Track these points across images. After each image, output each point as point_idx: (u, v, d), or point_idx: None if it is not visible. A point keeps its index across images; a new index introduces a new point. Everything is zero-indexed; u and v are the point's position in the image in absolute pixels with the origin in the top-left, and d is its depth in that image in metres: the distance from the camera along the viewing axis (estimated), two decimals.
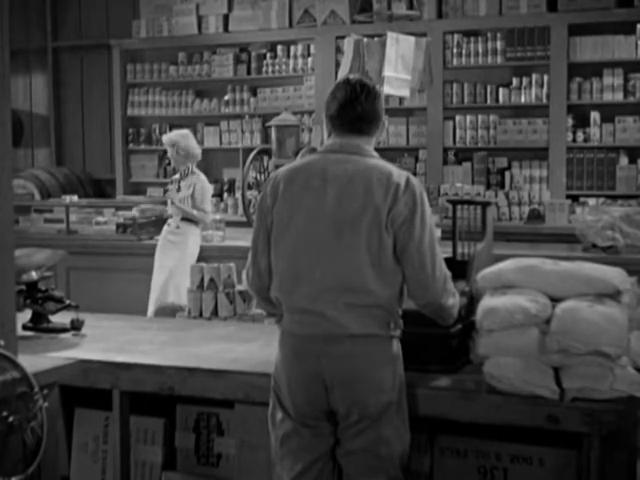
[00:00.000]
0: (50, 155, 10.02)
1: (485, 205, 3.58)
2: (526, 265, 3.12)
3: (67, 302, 4.03)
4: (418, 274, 2.98)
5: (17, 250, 4.13)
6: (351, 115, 3.09)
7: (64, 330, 3.97)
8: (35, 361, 3.04)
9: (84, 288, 7.04)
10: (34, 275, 4.02)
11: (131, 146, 9.30)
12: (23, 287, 4.00)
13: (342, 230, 2.96)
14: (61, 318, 4.02)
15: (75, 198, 7.75)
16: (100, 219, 7.53)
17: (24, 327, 3.99)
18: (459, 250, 3.68)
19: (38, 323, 4.01)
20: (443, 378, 3.18)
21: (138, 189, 9.19)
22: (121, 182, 9.24)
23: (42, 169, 9.50)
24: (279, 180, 3.09)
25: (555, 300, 3.04)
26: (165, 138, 7.15)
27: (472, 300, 3.34)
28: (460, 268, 3.49)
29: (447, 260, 3.18)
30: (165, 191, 7.31)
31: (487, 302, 3.06)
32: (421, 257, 2.97)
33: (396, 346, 3.02)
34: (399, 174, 3.02)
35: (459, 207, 3.73)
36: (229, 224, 7.38)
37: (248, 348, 3.72)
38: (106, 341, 3.86)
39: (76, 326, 3.96)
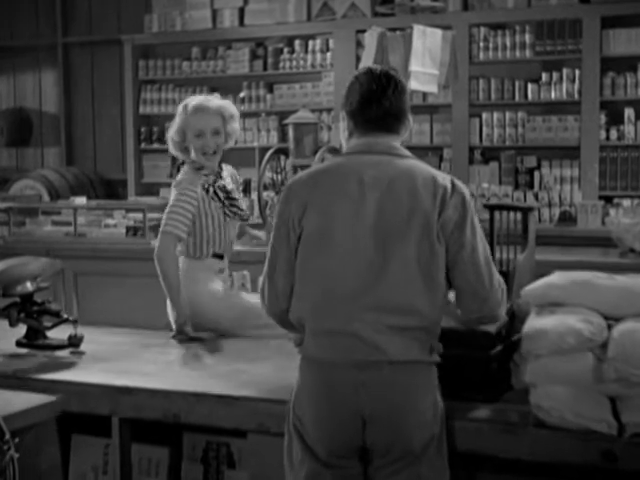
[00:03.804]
0: (60, 154, 9.74)
1: (527, 211, 3.22)
2: (578, 280, 2.76)
3: (64, 316, 3.70)
4: (474, 286, 2.66)
5: (11, 259, 3.83)
6: (377, 111, 2.74)
7: (61, 347, 3.65)
8: (9, 400, 2.69)
9: (93, 294, 6.72)
10: (29, 286, 3.70)
11: (143, 145, 8.99)
12: (17, 299, 3.69)
13: (386, 241, 2.61)
14: (59, 333, 3.70)
15: (84, 200, 7.40)
16: (109, 221, 7.19)
17: (18, 343, 3.69)
18: (497, 259, 3.31)
19: (33, 339, 3.70)
20: (483, 408, 2.82)
21: (151, 190, 8.88)
22: (133, 183, 8.94)
23: (51, 169, 9.23)
24: (303, 186, 2.73)
25: (610, 319, 2.68)
26: (222, 102, 4.20)
27: (513, 318, 2.99)
28: None
29: None
30: (234, 213, 4.22)
31: (534, 323, 2.69)
32: (476, 267, 2.65)
33: (436, 373, 2.68)
34: (443, 177, 2.71)
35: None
36: None
37: (264, 369, 3.37)
38: (106, 360, 3.53)
39: (74, 342, 3.64)
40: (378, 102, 2.73)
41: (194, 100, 4.16)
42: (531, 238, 3.23)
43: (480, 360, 2.86)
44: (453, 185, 2.68)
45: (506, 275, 3.17)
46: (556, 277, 2.82)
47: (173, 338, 3.89)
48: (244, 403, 2.99)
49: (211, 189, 4.10)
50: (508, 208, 3.28)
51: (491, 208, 3.29)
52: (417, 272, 2.60)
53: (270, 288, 2.76)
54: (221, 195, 4.12)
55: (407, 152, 2.76)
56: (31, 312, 3.69)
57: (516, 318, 2.98)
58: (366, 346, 2.58)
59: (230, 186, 4.24)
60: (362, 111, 2.75)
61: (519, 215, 3.34)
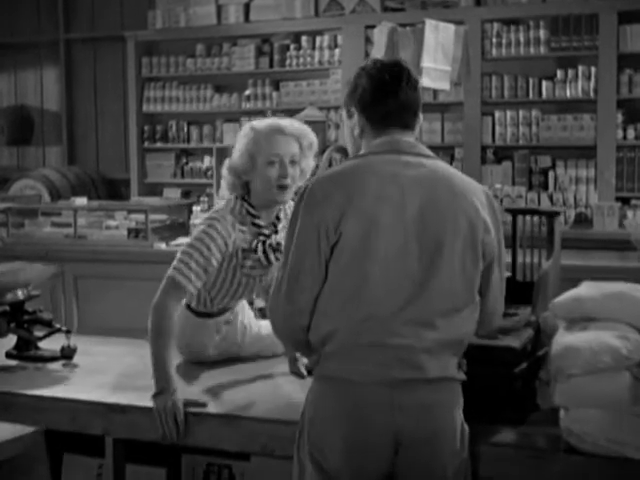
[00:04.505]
0: (62, 153, 9.54)
1: (552, 215, 2.99)
2: (611, 292, 2.53)
3: (57, 326, 3.48)
4: (499, 304, 2.55)
5: (1, 265, 3.63)
6: (394, 105, 2.51)
7: (53, 359, 3.43)
8: None
9: (93, 297, 6.55)
10: (20, 294, 3.48)
11: (146, 144, 8.80)
12: (7, 308, 3.48)
13: (431, 251, 2.39)
14: (52, 343, 3.48)
15: (84, 200, 7.21)
16: (111, 223, 6.99)
17: (7, 355, 3.48)
18: (520, 266, 3.09)
19: (24, 350, 3.48)
20: (507, 431, 2.59)
21: (154, 190, 8.70)
22: (136, 182, 8.75)
23: (52, 168, 9.05)
24: (334, 189, 2.43)
25: None
26: (301, 127, 3.28)
27: (539, 332, 2.76)
28: (522, 291, 2.92)
29: (507, 280, 2.62)
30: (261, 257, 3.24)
31: (565, 339, 2.46)
32: (503, 284, 2.54)
33: (461, 392, 2.48)
34: (476, 184, 2.53)
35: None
36: None
37: (267, 388, 3.12)
38: (100, 374, 3.30)
39: (67, 354, 3.42)
40: (394, 94, 2.50)
41: (265, 121, 3.28)
42: (556, 245, 2.99)
43: (504, 378, 2.63)
44: (487, 194, 2.51)
45: (530, 285, 2.95)
46: (586, 289, 2.59)
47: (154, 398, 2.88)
48: (247, 423, 2.76)
49: (260, 247, 3.20)
50: (532, 212, 3.05)
51: (514, 212, 3.06)
52: (461, 285, 2.41)
53: (288, 306, 2.46)
54: (272, 257, 3.21)
55: (429, 151, 2.54)
56: (21, 322, 3.48)
57: (542, 332, 2.75)
58: (403, 363, 2.36)
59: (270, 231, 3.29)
60: (377, 105, 2.51)
61: (542, 220, 3.11)
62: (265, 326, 3.35)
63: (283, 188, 3.17)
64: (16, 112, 9.68)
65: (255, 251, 3.19)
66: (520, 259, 3.11)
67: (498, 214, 2.52)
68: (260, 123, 3.24)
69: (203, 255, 3.07)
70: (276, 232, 3.26)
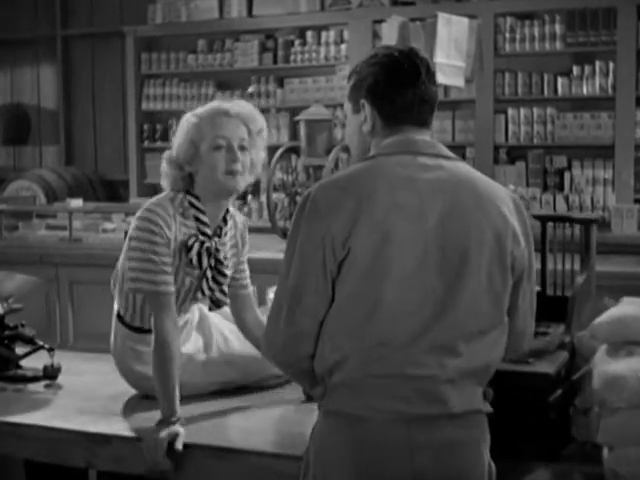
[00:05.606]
0: (59, 153, 9.35)
1: (588, 223, 2.69)
2: None
3: (39, 343, 3.22)
4: (529, 323, 2.28)
5: None
6: (413, 98, 2.21)
7: (35, 379, 3.17)
8: None
9: (89, 304, 6.31)
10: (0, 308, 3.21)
11: (146, 143, 8.59)
12: None
13: (453, 267, 2.10)
14: (35, 361, 3.22)
15: (80, 202, 6.99)
16: (108, 226, 6.76)
17: None
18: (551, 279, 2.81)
19: (3, 369, 3.25)
20: (539, 468, 2.33)
21: (154, 191, 8.44)
22: (135, 183, 8.55)
23: (48, 169, 8.86)
24: (342, 197, 2.13)
25: None
26: (248, 109, 2.97)
27: (574, 354, 2.47)
28: (553, 307, 2.63)
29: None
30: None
31: (608, 367, 2.18)
32: (534, 300, 2.27)
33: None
34: (503, 188, 2.26)
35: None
36: (252, 231, 6.55)
37: (271, 415, 2.83)
38: (85, 397, 3.04)
39: (50, 374, 3.17)
40: (413, 86, 2.21)
41: (206, 105, 2.98)
42: (592, 255, 2.70)
43: (536, 408, 2.36)
44: (515, 201, 2.24)
45: (561, 300, 2.67)
46: (630, 307, 2.30)
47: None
48: (245, 457, 2.49)
49: (196, 247, 2.87)
50: (564, 220, 2.76)
51: (543, 220, 2.77)
52: (487, 303, 2.13)
53: (289, 331, 2.16)
54: (205, 262, 2.90)
55: (449, 151, 2.24)
56: (1, 338, 3.23)
57: (577, 354, 2.46)
58: (424, 396, 2.08)
59: (227, 252, 3.00)
60: (392, 98, 2.22)
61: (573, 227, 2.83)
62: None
63: (233, 173, 2.85)
64: (12, 110, 9.50)
65: (189, 249, 2.87)
66: (550, 269, 2.83)
67: (528, 222, 2.24)
68: (201, 109, 2.95)
69: (155, 252, 2.82)
70: (219, 236, 2.95)
